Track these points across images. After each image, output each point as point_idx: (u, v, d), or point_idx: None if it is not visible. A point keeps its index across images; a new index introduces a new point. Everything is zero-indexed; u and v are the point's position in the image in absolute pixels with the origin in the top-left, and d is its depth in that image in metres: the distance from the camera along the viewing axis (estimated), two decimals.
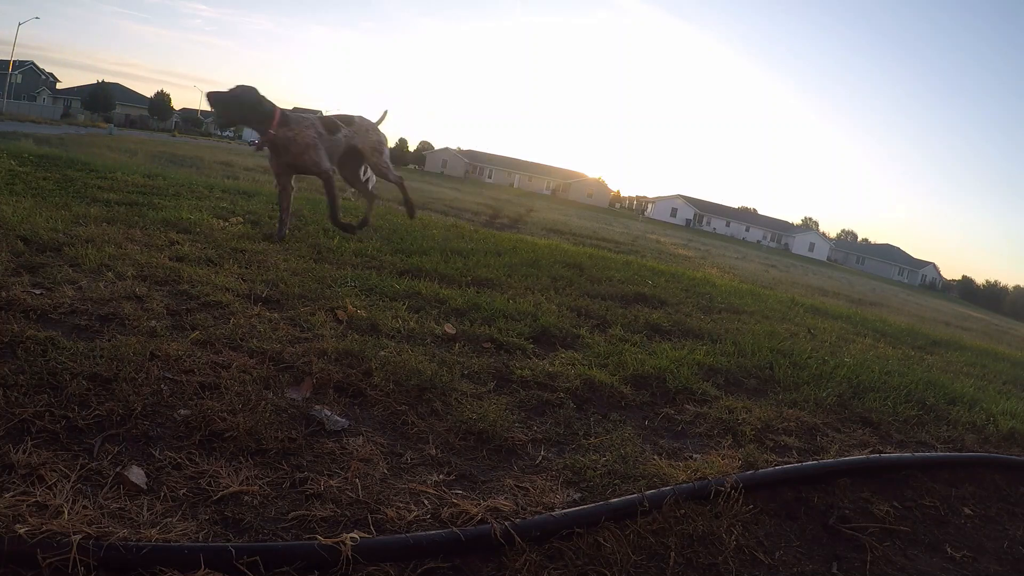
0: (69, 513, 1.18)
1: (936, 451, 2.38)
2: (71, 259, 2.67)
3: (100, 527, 1.16)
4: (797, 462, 1.98)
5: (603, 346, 2.84)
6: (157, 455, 1.45)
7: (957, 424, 2.73)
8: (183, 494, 1.33)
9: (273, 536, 1.27)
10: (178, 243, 3.28)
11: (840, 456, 2.11)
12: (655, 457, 1.87)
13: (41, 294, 2.23)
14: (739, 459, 1.93)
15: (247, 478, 1.42)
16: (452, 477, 1.60)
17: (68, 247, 2.81)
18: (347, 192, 6.78)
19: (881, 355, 3.99)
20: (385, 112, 4.74)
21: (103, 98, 61.66)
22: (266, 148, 4.09)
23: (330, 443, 1.64)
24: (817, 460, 2.02)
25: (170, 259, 2.93)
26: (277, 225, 4.12)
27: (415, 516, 1.40)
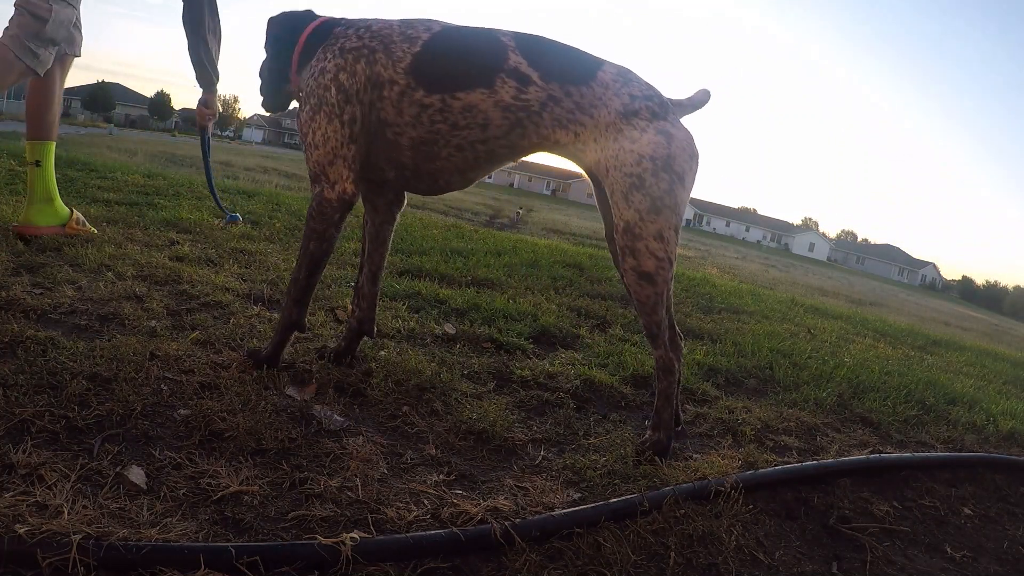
0: (69, 513, 1.18)
1: (936, 451, 2.38)
2: (71, 259, 2.67)
3: (100, 527, 1.16)
4: (797, 462, 1.98)
5: (603, 346, 2.84)
6: (157, 455, 1.45)
7: (957, 424, 2.73)
8: (183, 494, 1.33)
9: (273, 536, 1.27)
10: (178, 243, 3.28)
11: (840, 456, 2.11)
12: (655, 457, 1.87)
13: (41, 294, 2.23)
14: (739, 459, 1.93)
15: (247, 478, 1.42)
16: (452, 477, 1.60)
17: (68, 247, 2.81)
18: None
19: (881, 355, 3.99)
20: None
21: (103, 98, 61.73)
22: None
23: (330, 443, 1.64)
24: (817, 460, 2.02)
25: (170, 259, 2.93)
26: None
27: (415, 516, 1.40)
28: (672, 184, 1.75)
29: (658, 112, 1.78)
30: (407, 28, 1.83)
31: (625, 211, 1.76)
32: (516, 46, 1.78)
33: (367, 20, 1.89)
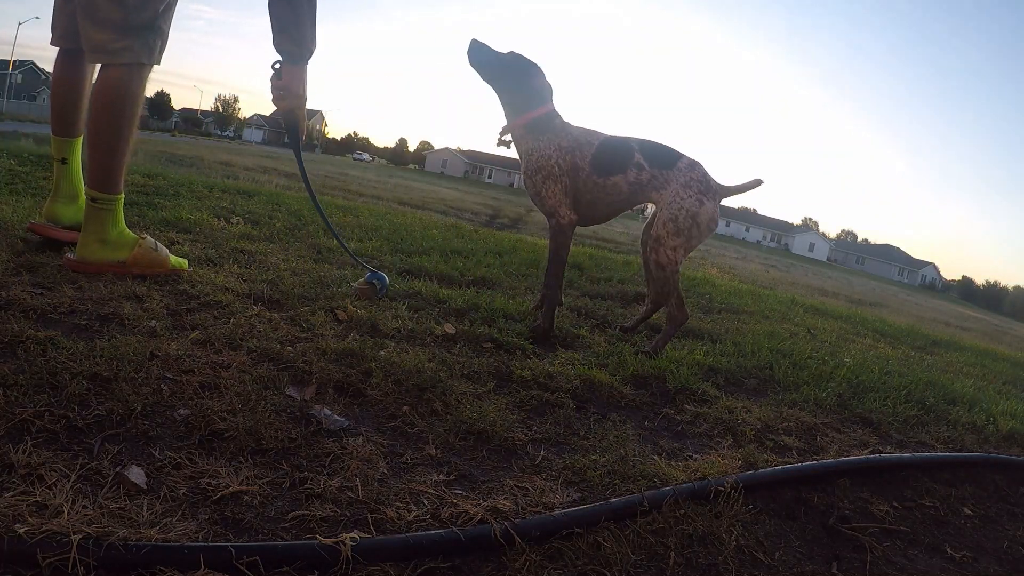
0: (69, 513, 1.18)
1: (936, 451, 2.38)
2: None
3: (100, 527, 1.16)
4: (797, 462, 1.98)
5: (603, 346, 2.84)
6: (157, 455, 1.45)
7: (957, 424, 2.73)
8: (183, 494, 1.33)
9: (273, 536, 1.27)
10: (178, 243, 3.28)
11: (840, 456, 2.11)
12: (655, 457, 1.87)
13: (41, 294, 2.23)
14: (739, 459, 1.93)
15: (247, 478, 1.42)
16: (452, 477, 1.60)
17: (69, 246, 2.80)
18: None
19: (881, 355, 3.99)
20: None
21: None
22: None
23: (330, 443, 1.64)
24: (817, 460, 2.02)
25: None
26: None
27: (415, 516, 1.40)
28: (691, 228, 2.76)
29: (703, 190, 2.74)
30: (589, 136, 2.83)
31: (660, 230, 2.79)
32: (639, 148, 2.80)
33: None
